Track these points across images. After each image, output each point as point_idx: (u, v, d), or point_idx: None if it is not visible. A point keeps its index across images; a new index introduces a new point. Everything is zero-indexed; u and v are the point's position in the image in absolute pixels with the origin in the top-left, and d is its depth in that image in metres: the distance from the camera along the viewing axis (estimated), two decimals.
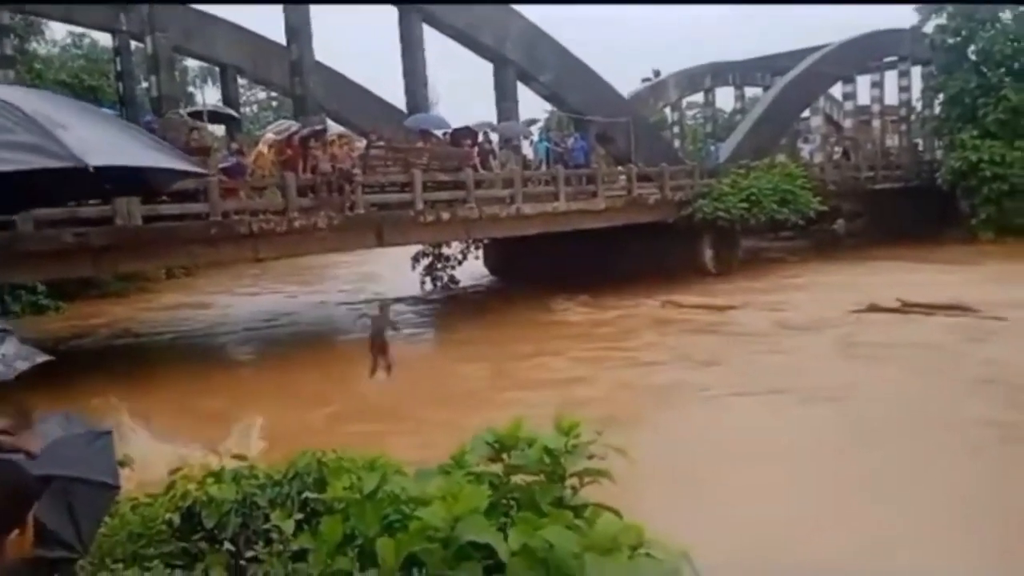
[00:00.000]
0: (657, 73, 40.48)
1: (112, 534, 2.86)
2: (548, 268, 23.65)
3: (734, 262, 25.59)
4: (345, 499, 2.16)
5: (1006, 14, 31.53)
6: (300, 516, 2.50)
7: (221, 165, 15.99)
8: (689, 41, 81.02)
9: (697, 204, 24.24)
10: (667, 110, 41.90)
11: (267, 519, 2.61)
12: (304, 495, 2.60)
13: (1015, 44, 30.46)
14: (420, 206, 18.07)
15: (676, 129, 42.44)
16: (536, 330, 18.00)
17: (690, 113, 49.02)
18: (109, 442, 2.08)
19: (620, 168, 25.25)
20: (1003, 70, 31.13)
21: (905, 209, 31.60)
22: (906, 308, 17.11)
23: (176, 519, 2.81)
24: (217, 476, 2.89)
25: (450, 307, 23.72)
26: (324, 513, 2.31)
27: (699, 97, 43.46)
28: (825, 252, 30.29)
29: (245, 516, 2.70)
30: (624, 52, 64.89)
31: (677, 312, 19.33)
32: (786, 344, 15.35)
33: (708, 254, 24.99)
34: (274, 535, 2.47)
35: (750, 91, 42.25)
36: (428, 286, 26.61)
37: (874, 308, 17.43)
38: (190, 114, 20.35)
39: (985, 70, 31.55)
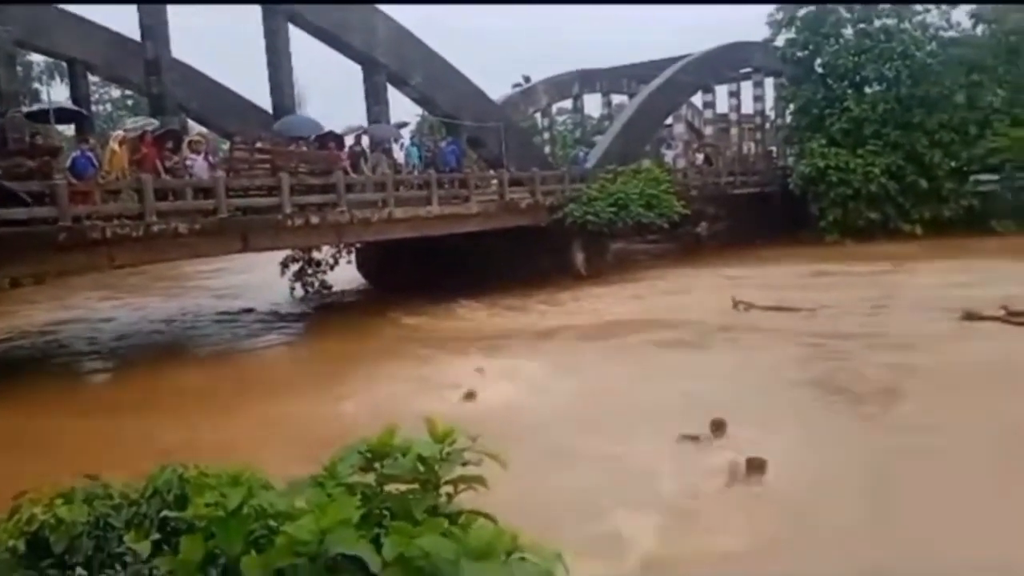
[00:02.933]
0: (527, 79, 41.15)
1: None
2: (423, 273, 23.54)
3: (604, 265, 26.26)
4: (207, 516, 2.05)
5: (848, 30, 33.80)
6: (158, 536, 2.37)
7: (70, 160, 15.07)
8: (556, 48, 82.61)
9: (568, 208, 24.71)
10: (537, 116, 42.59)
11: (122, 541, 2.45)
12: (163, 514, 2.46)
13: (856, 59, 32.70)
14: (288, 210, 17.61)
15: (546, 134, 43.19)
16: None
17: (560, 119, 49.98)
18: None
19: (492, 172, 25.44)
20: (846, 83, 33.38)
21: (761, 212, 33.30)
22: (1011, 317, 15.24)
23: (21, 546, 2.61)
24: (67, 497, 2.70)
25: (319, 318, 23.21)
26: (185, 532, 2.20)
27: (568, 103, 44.43)
28: (692, 254, 31.48)
29: (98, 539, 2.54)
30: (493, 58, 65.59)
31: (761, 315, 17.62)
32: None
33: (579, 257, 25.53)
34: (129, 558, 2.33)
35: (617, 98, 43.50)
36: (299, 292, 25.97)
37: (974, 316, 15.57)
38: (35, 113, 19.08)
39: (830, 82, 33.74)
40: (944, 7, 33.50)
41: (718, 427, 9.54)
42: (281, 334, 20.67)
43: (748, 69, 39.26)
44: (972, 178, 32.59)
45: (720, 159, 37.18)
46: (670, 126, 39.54)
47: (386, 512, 2.07)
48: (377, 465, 2.18)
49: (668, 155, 37.71)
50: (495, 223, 23.09)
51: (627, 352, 15.23)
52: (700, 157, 36.76)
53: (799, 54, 34.37)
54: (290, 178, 17.80)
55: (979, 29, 34.46)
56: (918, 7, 33.55)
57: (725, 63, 37.38)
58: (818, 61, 34.07)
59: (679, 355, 14.94)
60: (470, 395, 11.89)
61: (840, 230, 32.02)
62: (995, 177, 32.50)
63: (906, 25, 33.20)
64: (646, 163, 29.46)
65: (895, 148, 32.06)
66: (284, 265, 25.94)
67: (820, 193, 32.48)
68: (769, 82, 39.83)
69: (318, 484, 2.17)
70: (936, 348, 13.97)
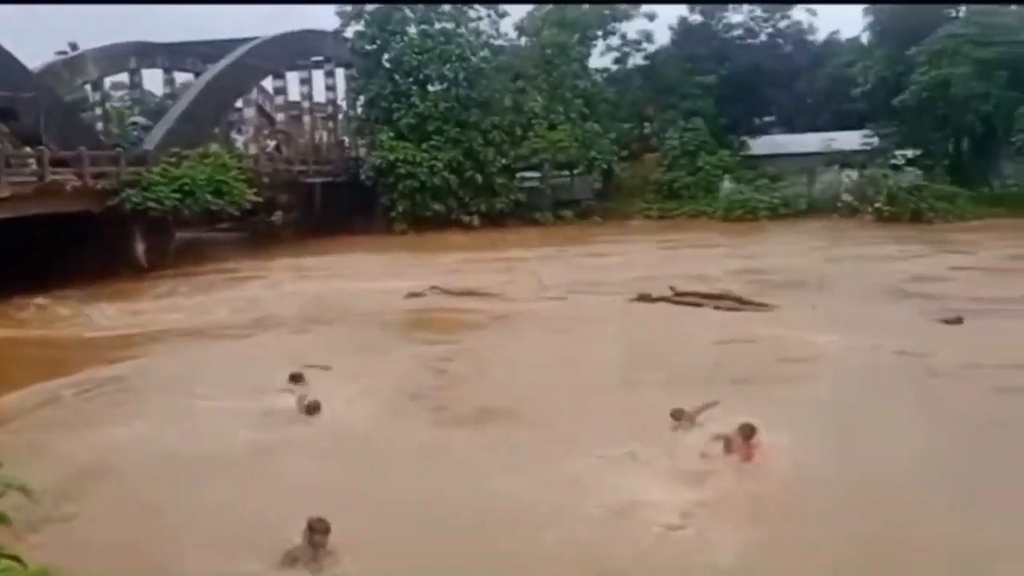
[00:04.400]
0: (74, 47, 36.54)
1: None
2: None
3: (169, 256, 24.48)
4: None
5: (412, 29, 35.51)
6: None
7: None
8: (114, 20, 74.63)
9: (125, 194, 22.60)
10: (88, 89, 38.02)
11: None
12: None
13: (420, 57, 34.54)
14: None
15: (98, 110, 38.79)
16: None
17: (116, 94, 45.32)
18: None
19: (28, 150, 22.11)
20: (411, 79, 35.12)
21: (336, 202, 33.74)
22: (678, 298, 16.13)
23: None
24: None
25: None
26: None
27: (125, 77, 40.47)
28: (269, 243, 30.68)
29: None
30: (32, 23, 56.96)
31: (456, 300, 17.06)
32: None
33: (140, 248, 23.47)
34: None
35: (181, 76, 40.63)
36: None
37: (645, 298, 16.34)
38: None
39: (398, 78, 35.25)
40: (494, 16, 36.81)
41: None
42: None
43: (320, 58, 39.33)
44: (519, 175, 36.60)
45: (292, 147, 36.84)
46: (240, 110, 38.14)
47: None
48: None
49: (239, 140, 36.40)
50: (32, 209, 20.14)
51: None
52: (272, 144, 36.09)
53: (367, 48, 35.32)
54: None
55: (523, 40, 38.58)
56: (472, 13, 36.41)
57: (296, 50, 36.98)
58: (386, 56, 35.34)
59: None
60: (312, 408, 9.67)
61: (408, 221, 33.69)
62: (537, 175, 36.92)
63: (462, 30, 35.88)
64: (214, 147, 27.97)
65: (455, 144, 34.57)
66: None
67: (390, 185, 33.85)
68: (340, 72, 40.34)
69: None
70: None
